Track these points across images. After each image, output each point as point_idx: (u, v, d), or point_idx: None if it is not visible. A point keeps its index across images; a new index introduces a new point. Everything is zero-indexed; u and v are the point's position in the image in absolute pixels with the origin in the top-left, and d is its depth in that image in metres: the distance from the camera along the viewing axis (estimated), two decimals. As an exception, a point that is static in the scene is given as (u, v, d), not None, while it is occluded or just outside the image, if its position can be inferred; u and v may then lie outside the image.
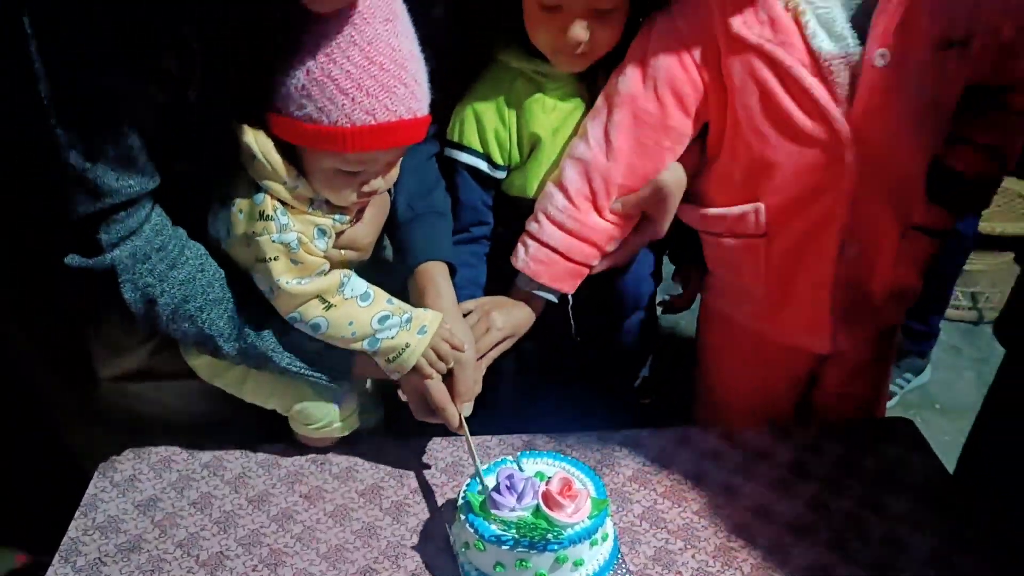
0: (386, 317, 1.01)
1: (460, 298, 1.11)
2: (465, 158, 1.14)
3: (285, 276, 0.96)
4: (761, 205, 1.10)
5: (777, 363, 1.25)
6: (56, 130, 0.84)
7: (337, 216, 0.99)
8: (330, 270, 1.01)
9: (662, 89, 1.07)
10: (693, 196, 1.16)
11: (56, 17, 0.79)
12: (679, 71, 1.07)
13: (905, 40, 0.99)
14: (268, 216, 0.94)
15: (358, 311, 1.00)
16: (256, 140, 0.91)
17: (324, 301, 0.99)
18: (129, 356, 1.14)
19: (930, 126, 1.08)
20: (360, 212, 1.03)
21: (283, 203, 0.95)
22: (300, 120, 0.88)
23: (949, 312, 2.37)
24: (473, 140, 1.13)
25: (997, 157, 1.12)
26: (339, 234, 1.01)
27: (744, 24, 1.03)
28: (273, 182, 0.93)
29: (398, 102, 0.88)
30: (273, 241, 0.95)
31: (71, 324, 1.11)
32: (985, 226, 2.32)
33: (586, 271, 1.14)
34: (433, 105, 0.95)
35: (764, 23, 1.02)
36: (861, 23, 1.00)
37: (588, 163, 1.10)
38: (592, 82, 1.12)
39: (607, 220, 1.11)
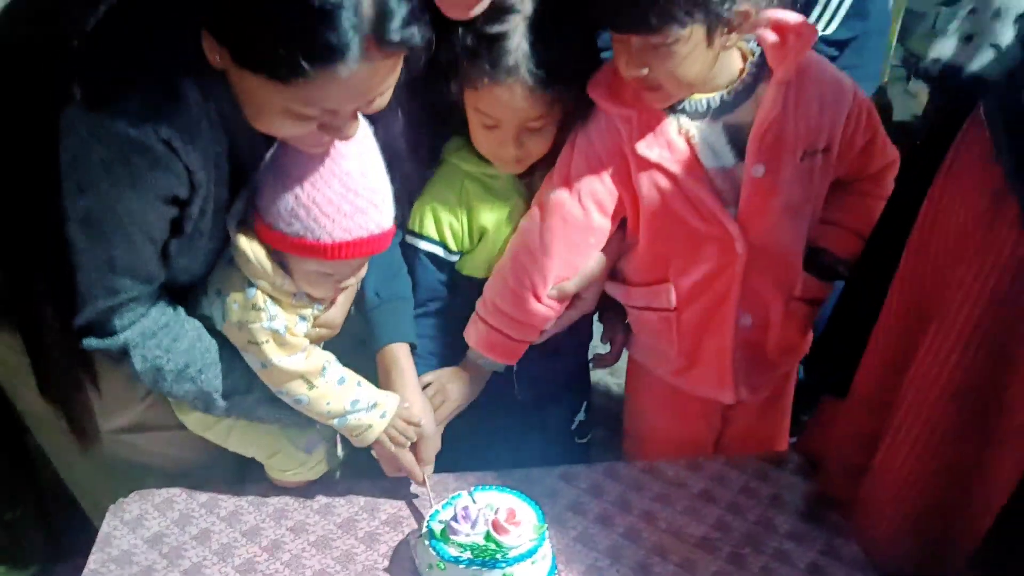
0: (356, 401, 1.21)
1: (421, 368, 1.31)
2: (424, 245, 1.33)
3: (275, 355, 1.15)
4: (671, 285, 1.32)
5: (691, 409, 1.46)
6: (80, 242, 1.02)
7: (316, 305, 1.19)
8: (310, 347, 1.20)
9: (585, 198, 1.26)
10: (617, 275, 1.38)
11: (87, 153, 0.97)
12: (597, 183, 1.26)
13: (777, 154, 1.21)
14: (259, 307, 1.13)
15: (335, 393, 1.20)
16: (251, 248, 1.10)
17: (307, 382, 1.18)
18: (126, 412, 1.28)
19: (803, 217, 1.29)
20: (333, 300, 1.24)
21: (271, 296, 1.14)
22: (289, 235, 1.07)
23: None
24: (431, 230, 1.32)
25: (860, 233, 1.32)
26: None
27: (647, 147, 1.22)
28: (263, 280, 1.12)
29: (369, 221, 1.08)
30: (264, 327, 1.13)
31: (78, 389, 1.23)
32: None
33: (526, 346, 1.34)
34: (396, 199, 1.15)
35: (663, 146, 1.21)
36: (739, 142, 1.22)
37: (527, 259, 1.29)
38: (530, 180, 1.32)
39: (544, 304, 1.31)
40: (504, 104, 1.18)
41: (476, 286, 1.35)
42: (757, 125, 1.19)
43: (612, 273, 1.37)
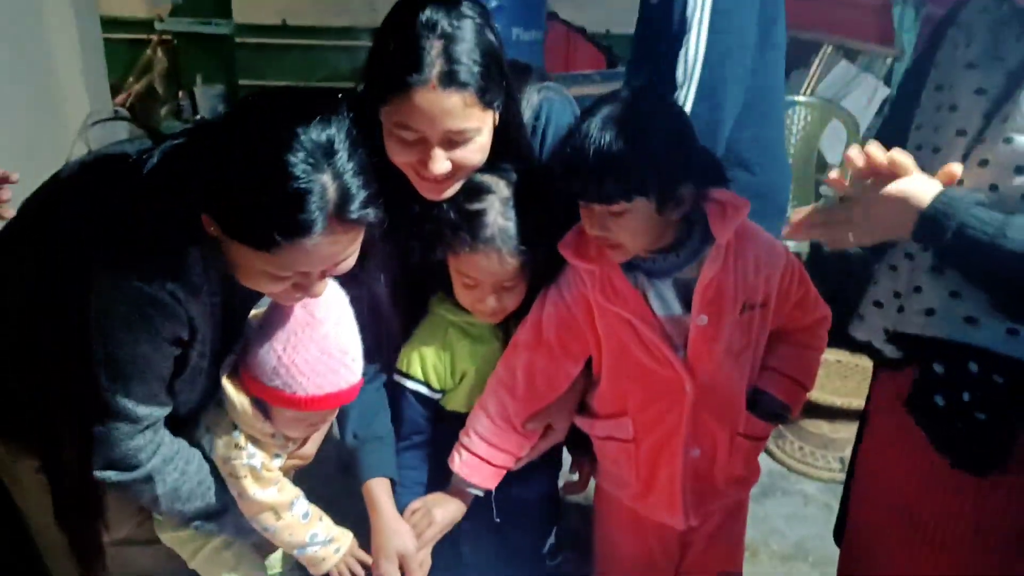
0: (315, 534, 1.39)
1: (406, 496, 1.49)
2: (410, 384, 1.51)
3: (250, 488, 1.33)
4: (629, 419, 1.48)
5: (651, 532, 1.59)
6: (104, 381, 1.20)
7: (291, 445, 1.38)
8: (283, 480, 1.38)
9: (555, 340, 1.44)
10: (584, 409, 1.55)
11: (110, 307, 1.17)
12: (565, 327, 1.44)
13: (719, 306, 1.39)
14: (240, 447, 1.32)
15: (298, 526, 1.38)
16: (238, 396, 1.29)
17: (276, 514, 1.36)
18: (120, 528, 1.44)
19: (744, 362, 1.46)
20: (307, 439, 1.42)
21: (251, 437, 1.32)
22: (270, 387, 1.26)
23: (822, 474, 2.77)
24: (416, 371, 1.50)
25: (797, 380, 1.50)
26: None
27: (606, 298, 1.39)
28: (245, 424, 1.31)
29: (340, 379, 1.27)
30: (243, 464, 1.32)
31: (92, 519, 1.39)
32: (844, 401, 2.75)
33: (505, 471, 1.50)
34: (378, 347, 1.36)
35: (621, 297, 1.39)
36: (687, 294, 1.39)
37: (505, 394, 1.47)
38: (505, 329, 1.49)
39: (520, 433, 1.48)
40: (482, 268, 1.37)
41: (458, 419, 1.52)
42: (701, 281, 1.36)
43: (579, 407, 1.54)
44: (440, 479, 1.53)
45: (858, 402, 2.78)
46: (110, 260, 1.16)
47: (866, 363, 2.88)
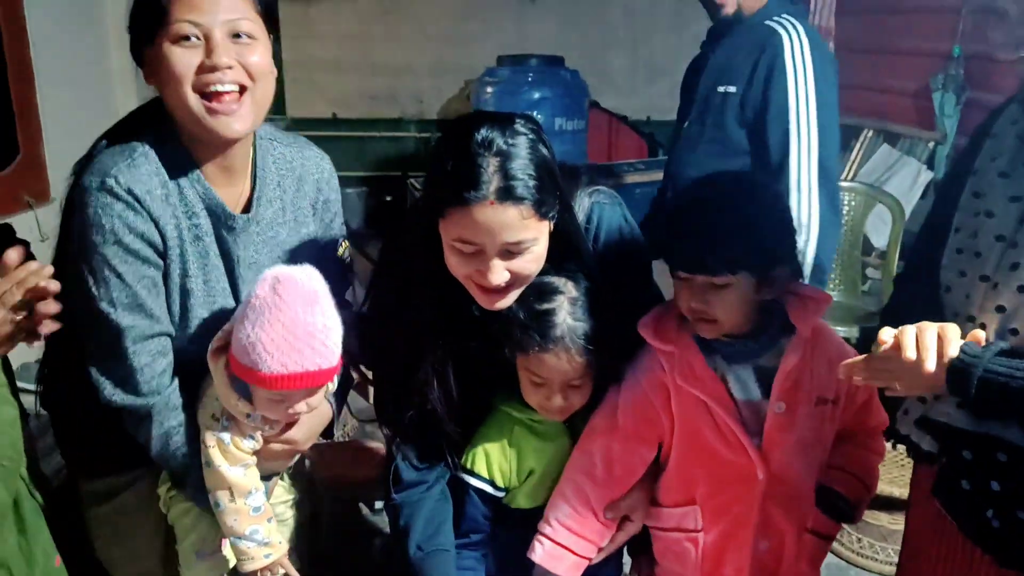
0: (256, 532, 1.41)
1: None
2: (474, 482, 1.51)
3: (216, 459, 1.39)
4: (698, 508, 1.48)
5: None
6: (89, 289, 1.32)
7: (268, 428, 1.42)
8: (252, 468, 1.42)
9: (630, 426, 1.46)
10: (654, 497, 1.54)
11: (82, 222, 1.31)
12: (640, 412, 1.45)
13: (795, 396, 1.41)
14: (216, 418, 1.40)
15: (245, 515, 1.41)
16: (217, 371, 1.36)
17: (231, 495, 1.39)
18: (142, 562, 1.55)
19: (815, 456, 1.47)
20: (289, 425, 1.45)
21: (229, 412, 1.38)
22: (243, 364, 1.30)
23: (882, 568, 2.70)
24: (481, 468, 1.51)
25: (862, 480, 1.49)
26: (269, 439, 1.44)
27: (684, 379, 1.41)
28: (223, 399, 1.37)
29: (305, 359, 1.29)
30: (214, 434, 1.39)
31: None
32: (903, 492, 2.69)
33: (587, 562, 1.50)
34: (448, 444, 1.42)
35: (699, 379, 1.41)
36: (765, 381, 1.41)
37: (584, 479, 1.47)
38: (572, 426, 1.51)
39: (601, 522, 1.48)
40: (551, 367, 1.40)
41: (521, 517, 1.53)
42: (782, 368, 1.39)
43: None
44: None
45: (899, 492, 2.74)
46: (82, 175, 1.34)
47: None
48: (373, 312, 1.49)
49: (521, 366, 1.45)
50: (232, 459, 1.40)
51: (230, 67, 1.29)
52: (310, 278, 1.32)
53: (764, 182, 1.41)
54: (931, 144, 4.15)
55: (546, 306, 1.39)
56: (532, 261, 1.32)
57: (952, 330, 1.12)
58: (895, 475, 2.77)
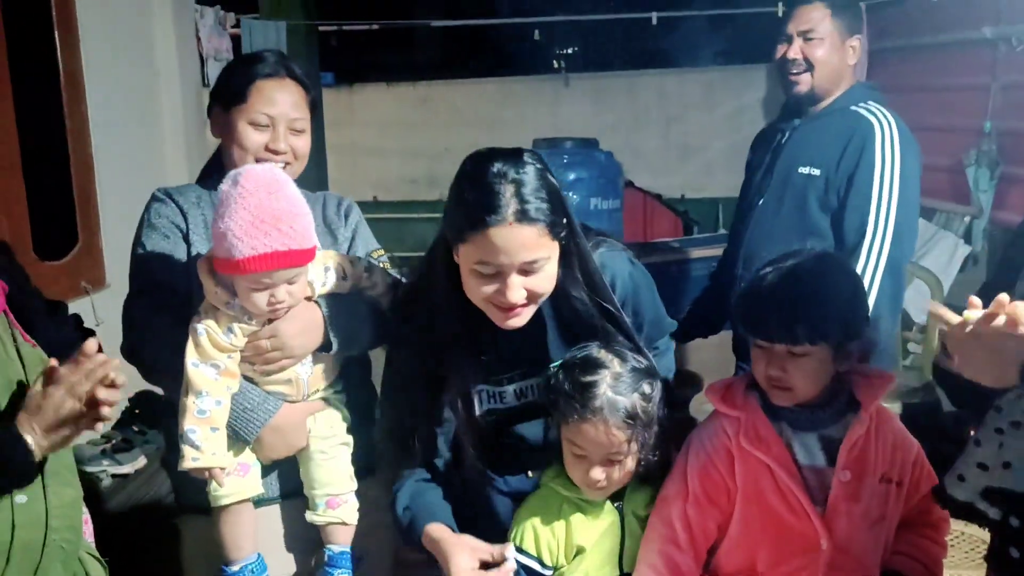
0: (193, 432, 1.46)
1: None
2: (522, 559, 1.51)
3: (189, 353, 1.47)
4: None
5: None
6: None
7: (247, 320, 1.49)
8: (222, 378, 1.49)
9: (699, 490, 1.47)
10: (709, 567, 1.53)
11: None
12: (707, 476, 1.47)
13: (861, 467, 1.42)
14: (199, 313, 1.50)
15: (188, 414, 1.46)
16: (203, 273, 1.49)
17: (187, 390, 1.47)
18: None
19: (879, 533, 1.45)
20: (271, 321, 1.51)
21: (212, 308, 1.48)
22: (220, 257, 1.43)
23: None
24: (530, 546, 1.50)
25: (926, 567, 1.47)
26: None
27: (750, 443, 1.43)
28: (209, 295, 1.49)
29: (273, 241, 1.41)
30: (193, 326, 1.49)
31: None
32: (953, 573, 2.62)
33: None
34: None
35: (765, 443, 1.43)
36: (831, 450, 1.43)
37: (670, 548, 1.46)
38: (619, 500, 1.51)
39: None
40: (590, 437, 1.43)
41: None
42: (849, 437, 1.42)
43: (706, 565, 1.53)
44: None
45: (967, 574, 2.66)
46: None
47: (972, 530, 2.78)
48: (396, 345, 1.60)
49: (564, 438, 1.48)
50: (203, 354, 1.47)
51: (285, 152, 1.64)
52: (271, 169, 1.50)
53: (843, 259, 1.47)
54: (967, 219, 4.15)
55: (590, 378, 1.43)
56: (546, 279, 1.42)
57: None
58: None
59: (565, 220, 1.42)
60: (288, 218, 1.44)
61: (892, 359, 2.43)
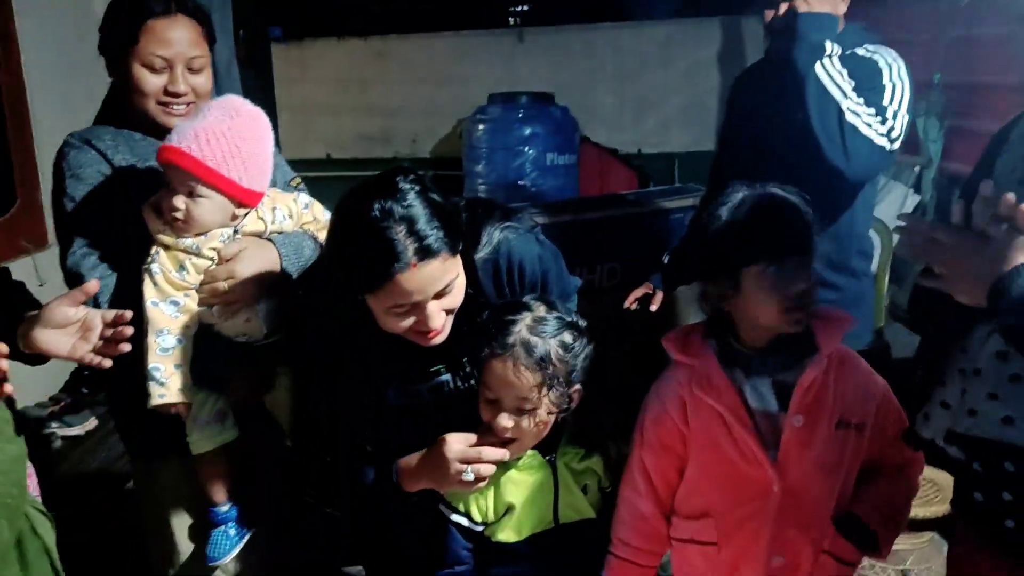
0: (157, 370, 1.49)
1: None
2: (452, 516, 1.54)
3: (147, 292, 1.49)
4: (712, 520, 1.49)
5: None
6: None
7: (195, 247, 1.50)
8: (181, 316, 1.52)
9: (654, 440, 1.51)
10: (672, 510, 1.56)
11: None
12: (661, 426, 1.51)
13: (816, 412, 1.42)
14: (150, 254, 1.51)
15: (152, 352, 1.49)
16: (147, 213, 1.52)
17: (149, 331, 1.49)
18: None
19: (834, 480, 1.46)
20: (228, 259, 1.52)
21: (163, 246, 1.50)
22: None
23: (886, 585, 2.68)
24: (458, 502, 1.53)
25: (887, 514, 1.48)
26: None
27: (701, 390, 1.45)
28: (154, 230, 1.52)
29: (185, 140, 1.46)
30: (146, 267, 1.50)
31: None
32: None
33: (653, 572, 1.55)
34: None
35: (717, 389, 1.44)
36: (784, 395, 1.43)
37: (633, 497, 1.53)
38: (551, 453, 1.52)
39: (653, 526, 1.54)
40: (499, 375, 1.41)
41: (510, 551, 1.53)
42: (802, 381, 1.42)
43: None
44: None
45: (922, 512, 2.72)
46: None
47: (931, 474, 2.84)
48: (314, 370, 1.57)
49: (481, 381, 1.46)
50: (161, 293, 1.49)
51: (186, 93, 1.59)
52: (242, 100, 1.54)
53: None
54: (917, 168, 4.21)
55: (510, 317, 1.43)
56: (458, 294, 1.41)
57: None
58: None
59: (461, 231, 1.38)
60: (210, 132, 1.46)
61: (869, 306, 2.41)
